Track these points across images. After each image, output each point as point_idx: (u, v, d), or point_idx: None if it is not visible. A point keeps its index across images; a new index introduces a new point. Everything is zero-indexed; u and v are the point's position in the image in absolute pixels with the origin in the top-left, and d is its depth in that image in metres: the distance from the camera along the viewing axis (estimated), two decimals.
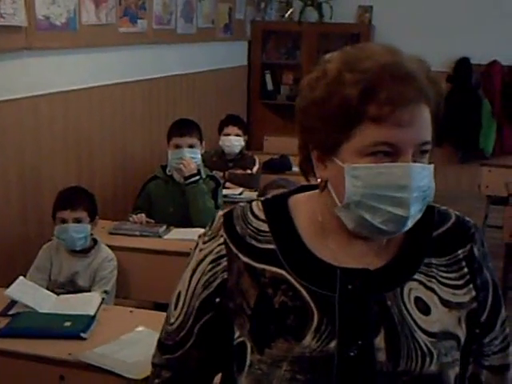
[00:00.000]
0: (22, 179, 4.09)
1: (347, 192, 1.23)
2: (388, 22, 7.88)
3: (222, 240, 1.35)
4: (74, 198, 3.43)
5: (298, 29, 7.93)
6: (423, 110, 1.21)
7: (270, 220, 1.35)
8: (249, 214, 1.37)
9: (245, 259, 1.32)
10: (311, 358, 1.25)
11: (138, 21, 5.33)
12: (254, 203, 1.39)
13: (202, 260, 1.36)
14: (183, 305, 1.38)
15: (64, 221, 3.35)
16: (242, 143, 5.34)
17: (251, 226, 1.35)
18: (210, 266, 1.34)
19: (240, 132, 5.32)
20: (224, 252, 1.34)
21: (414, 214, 1.23)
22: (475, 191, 6.47)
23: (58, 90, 4.38)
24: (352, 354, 1.24)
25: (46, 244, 3.51)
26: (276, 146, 6.52)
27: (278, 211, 1.37)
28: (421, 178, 1.22)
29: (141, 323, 2.63)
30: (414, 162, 1.21)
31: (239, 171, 5.21)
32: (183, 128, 4.23)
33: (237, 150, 5.30)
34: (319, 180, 1.31)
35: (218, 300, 1.33)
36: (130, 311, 2.87)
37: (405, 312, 1.28)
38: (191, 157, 4.12)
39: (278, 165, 5.67)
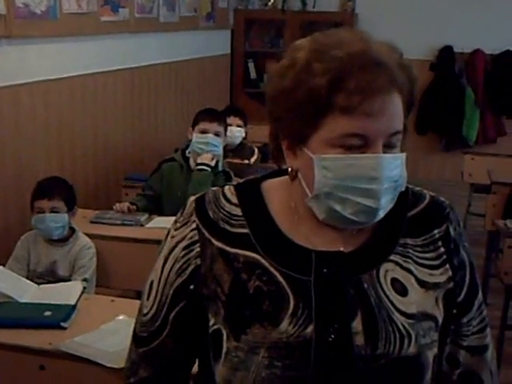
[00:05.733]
0: (3, 168, 4.06)
1: (317, 183, 1.22)
2: (371, 10, 7.88)
3: (194, 225, 1.33)
4: (52, 188, 3.42)
5: (281, 17, 7.92)
6: (394, 99, 1.20)
7: (242, 204, 1.34)
8: (221, 198, 1.35)
9: (218, 244, 1.31)
10: (288, 343, 1.23)
11: (120, 9, 5.30)
12: (226, 188, 1.38)
13: (175, 247, 1.34)
14: (156, 294, 1.36)
15: (41, 210, 3.35)
16: (243, 134, 5.28)
17: (224, 210, 1.33)
18: (183, 253, 1.32)
19: (241, 123, 5.26)
20: (197, 238, 1.32)
21: (385, 204, 1.22)
22: (458, 179, 6.48)
23: (39, 79, 4.35)
24: (330, 338, 1.23)
25: (23, 235, 3.51)
26: (259, 135, 6.46)
27: (250, 195, 1.35)
28: (392, 169, 1.20)
29: (122, 312, 2.61)
30: (385, 152, 1.20)
31: (236, 161, 5.16)
32: (213, 114, 4.25)
33: (237, 141, 5.24)
34: (289, 169, 1.30)
35: (191, 287, 1.31)
36: (112, 300, 2.85)
37: (381, 294, 1.27)
38: (214, 144, 4.11)
39: (261, 153, 5.64)
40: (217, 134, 4.15)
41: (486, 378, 1.41)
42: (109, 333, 2.49)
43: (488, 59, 7.83)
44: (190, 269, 1.32)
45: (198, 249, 1.31)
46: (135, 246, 3.62)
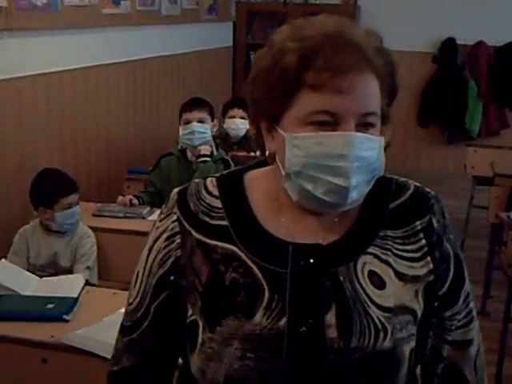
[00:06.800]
0: (5, 161, 4.06)
1: (287, 162, 1.22)
2: (373, 2, 7.85)
3: (175, 217, 1.34)
4: (71, 182, 3.49)
5: (283, 9, 7.89)
6: (368, 79, 1.19)
7: (222, 196, 1.34)
8: (202, 190, 1.36)
9: (197, 236, 1.31)
10: (261, 335, 1.24)
11: (122, 2, 5.28)
12: (208, 180, 1.38)
13: (158, 238, 1.35)
14: (141, 284, 1.37)
15: (70, 206, 3.41)
16: (247, 126, 5.24)
17: (204, 202, 1.34)
18: (165, 244, 1.34)
19: (245, 114, 5.16)
20: (177, 229, 1.33)
21: (358, 184, 1.20)
22: (461, 172, 6.46)
23: (40, 71, 4.34)
24: (301, 330, 1.23)
25: (21, 228, 3.53)
26: None
27: (231, 187, 1.36)
28: (364, 149, 1.19)
29: (124, 305, 2.58)
30: (359, 132, 1.19)
31: (242, 153, 5.14)
32: (193, 103, 4.25)
33: (242, 134, 5.21)
34: (267, 152, 1.30)
35: (172, 278, 1.32)
36: (114, 293, 2.84)
37: (358, 287, 1.27)
38: (200, 131, 4.10)
39: None
40: (200, 121, 4.13)
41: (468, 374, 1.39)
42: (111, 325, 2.46)
43: (491, 51, 7.80)
44: (171, 260, 1.33)
45: (179, 240, 1.32)
46: (137, 238, 3.59)
